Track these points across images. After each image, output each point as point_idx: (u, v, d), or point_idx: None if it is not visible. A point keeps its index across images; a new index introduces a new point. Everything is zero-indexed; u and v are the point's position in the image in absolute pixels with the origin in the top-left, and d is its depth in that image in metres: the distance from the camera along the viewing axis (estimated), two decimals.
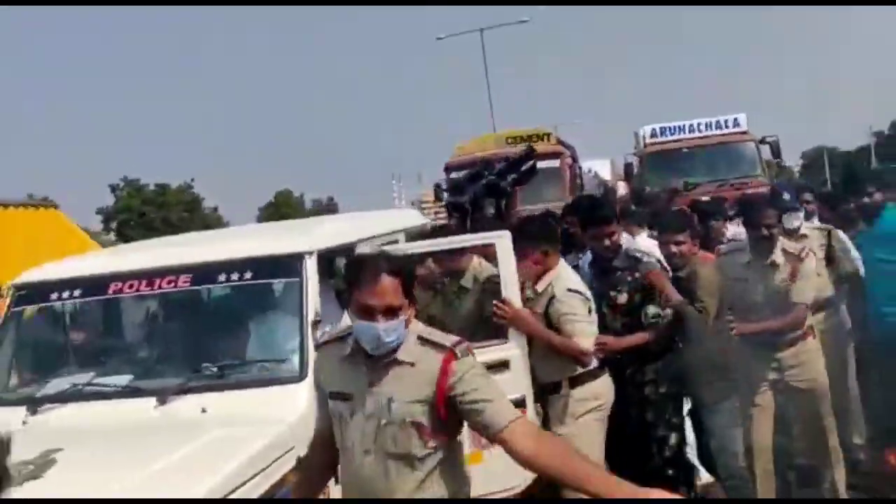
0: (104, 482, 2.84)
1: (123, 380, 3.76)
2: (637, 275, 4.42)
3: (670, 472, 4.40)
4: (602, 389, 4.18)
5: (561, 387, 4.14)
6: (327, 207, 53.96)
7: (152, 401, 3.50)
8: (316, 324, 3.61)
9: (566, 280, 4.18)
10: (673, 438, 4.48)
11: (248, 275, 3.75)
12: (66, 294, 3.98)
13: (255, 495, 2.94)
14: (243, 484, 2.91)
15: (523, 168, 6.22)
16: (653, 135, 15.60)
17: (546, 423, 4.11)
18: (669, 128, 15.68)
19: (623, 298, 4.41)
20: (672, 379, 4.47)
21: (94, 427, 3.44)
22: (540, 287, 4.19)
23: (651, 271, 4.44)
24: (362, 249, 4.07)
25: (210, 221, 42.59)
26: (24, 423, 3.63)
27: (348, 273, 2.63)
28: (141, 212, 43.51)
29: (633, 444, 4.32)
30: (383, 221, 5.07)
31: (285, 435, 3.24)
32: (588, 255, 4.74)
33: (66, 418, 3.58)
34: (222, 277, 3.78)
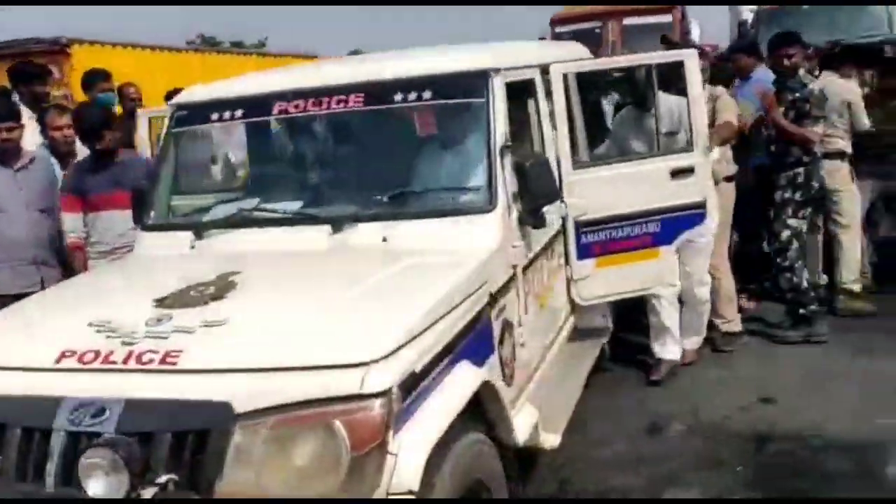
0: (297, 301, 2.64)
1: (292, 206, 3.54)
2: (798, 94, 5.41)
3: (777, 260, 5.47)
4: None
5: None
6: None
7: (326, 228, 3.27)
8: (505, 149, 3.30)
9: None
10: (784, 234, 5.40)
11: (426, 94, 3.40)
12: (227, 115, 3.71)
13: (459, 326, 2.71)
14: (450, 311, 2.67)
15: None
16: None
17: None
18: None
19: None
20: (796, 187, 5.38)
21: (266, 252, 3.23)
22: None
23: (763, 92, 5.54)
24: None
25: None
26: (192, 247, 3.47)
27: None
28: None
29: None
30: (557, 50, 4.70)
31: (478, 269, 2.96)
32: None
33: (235, 243, 3.37)
34: (398, 97, 3.43)
